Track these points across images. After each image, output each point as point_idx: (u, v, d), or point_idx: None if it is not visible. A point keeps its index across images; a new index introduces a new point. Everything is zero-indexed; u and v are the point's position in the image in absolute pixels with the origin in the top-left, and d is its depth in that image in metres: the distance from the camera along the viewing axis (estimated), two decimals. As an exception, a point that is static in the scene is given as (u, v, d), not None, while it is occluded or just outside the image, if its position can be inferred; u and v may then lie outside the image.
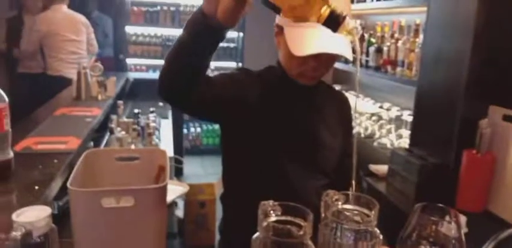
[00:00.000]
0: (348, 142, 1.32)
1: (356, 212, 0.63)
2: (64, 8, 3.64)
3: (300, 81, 1.20)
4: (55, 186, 1.15)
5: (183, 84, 1.02)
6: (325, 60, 1.14)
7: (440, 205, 0.66)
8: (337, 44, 1.05)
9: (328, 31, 1.04)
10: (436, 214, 0.66)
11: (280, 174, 1.19)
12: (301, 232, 0.55)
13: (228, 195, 1.33)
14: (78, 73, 2.52)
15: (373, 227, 0.61)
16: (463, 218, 1.33)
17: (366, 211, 0.62)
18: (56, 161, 1.30)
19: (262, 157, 1.19)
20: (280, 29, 1.14)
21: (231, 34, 4.94)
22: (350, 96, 3.07)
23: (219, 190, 2.84)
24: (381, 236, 0.61)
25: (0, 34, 3.79)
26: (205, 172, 4.18)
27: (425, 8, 1.83)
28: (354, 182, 0.69)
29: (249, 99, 1.19)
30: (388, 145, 2.29)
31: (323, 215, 0.64)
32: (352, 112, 2.51)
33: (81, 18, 3.75)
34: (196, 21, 0.93)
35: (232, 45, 4.96)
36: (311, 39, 1.05)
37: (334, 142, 1.26)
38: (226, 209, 1.33)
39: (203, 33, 0.93)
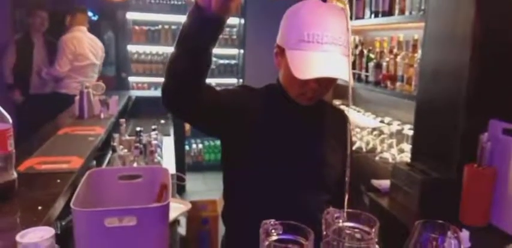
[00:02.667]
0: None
1: (357, 230, 0.63)
2: (86, 30, 3.78)
3: (299, 101, 1.22)
4: (58, 206, 1.16)
5: (187, 86, 1.05)
6: (326, 82, 1.15)
7: (441, 221, 0.66)
8: (339, 67, 1.07)
9: (330, 54, 1.07)
10: (437, 230, 0.67)
11: (281, 191, 1.20)
12: (302, 251, 0.55)
13: (229, 212, 1.33)
14: (81, 93, 2.54)
15: (374, 245, 0.61)
16: (466, 233, 1.33)
17: (366, 228, 0.63)
18: (59, 181, 1.31)
19: (262, 174, 1.20)
20: (281, 50, 1.16)
21: (232, 51, 5.00)
22: (351, 111, 3.09)
23: (221, 207, 2.83)
24: (382, 254, 0.62)
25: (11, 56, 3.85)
26: (207, 188, 4.17)
27: (422, 24, 1.86)
28: (346, 197, 0.70)
29: (248, 112, 1.21)
30: (390, 160, 2.29)
31: (324, 233, 0.65)
32: (353, 125, 2.52)
33: (100, 43, 3.93)
34: (193, 16, 0.96)
35: (233, 61, 5.01)
36: (313, 63, 1.06)
37: (334, 159, 1.26)
38: (228, 226, 1.33)
39: (201, 27, 0.96)
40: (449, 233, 0.67)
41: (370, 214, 0.65)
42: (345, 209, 0.66)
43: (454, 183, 1.56)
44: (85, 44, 3.73)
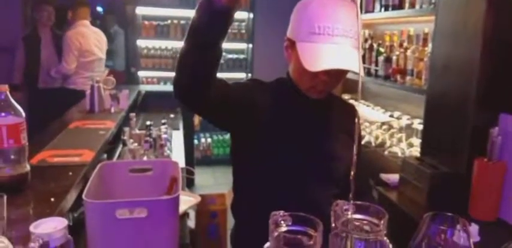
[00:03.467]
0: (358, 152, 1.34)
1: (365, 222, 0.63)
2: (89, 24, 3.79)
3: (309, 94, 1.22)
4: (70, 198, 1.18)
5: (198, 80, 1.05)
6: (336, 74, 1.15)
7: (450, 214, 0.66)
8: (350, 59, 1.07)
9: (341, 46, 1.07)
10: (446, 222, 0.67)
11: (290, 184, 1.21)
12: (311, 242, 0.56)
13: (238, 205, 1.34)
14: (92, 87, 2.57)
15: (383, 237, 0.62)
16: (475, 227, 1.33)
17: (375, 220, 0.63)
18: (70, 173, 1.33)
19: (271, 167, 1.20)
20: (291, 43, 1.17)
21: (241, 45, 5.00)
22: (360, 105, 3.08)
23: (230, 200, 2.84)
24: (391, 246, 0.62)
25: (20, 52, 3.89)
26: (216, 182, 4.20)
27: (433, 17, 1.85)
28: (351, 193, 0.70)
29: (258, 105, 1.21)
30: (399, 154, 2.29)
31: (333, 225, 0.65)
32: (362, 119, 2.51)
33: (104, 36, 3.92)
34: (202, 9, 0.96)
35: (241, 56, 5.01)
36: (324, 55, 1.07)
37: (344, 153, 1.26)
38: (237, 219, 1.35)
39: (210, 20, 0.96)
40: (458, 226, 0.67)
41: (379, 206, 0.66)
42: (353, 202, 0.67)
43: (464, 177, 1.56)
44: (90, 39, 3.72)
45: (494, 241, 1.07)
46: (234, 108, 1.18)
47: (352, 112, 1.40)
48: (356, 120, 1.43)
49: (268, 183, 1.22)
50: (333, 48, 1.07)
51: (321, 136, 1.28)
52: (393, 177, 1.89)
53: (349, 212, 0.64)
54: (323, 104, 1.28)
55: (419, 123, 2.21)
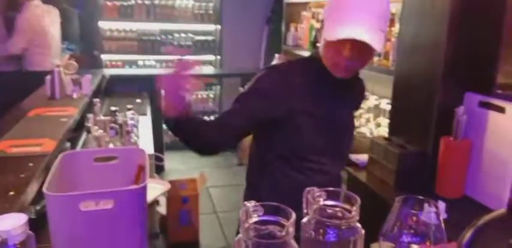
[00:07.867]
0: None
1: (338, 208, 0.62)
2: (40, 3, 3.65)
3: (334, 72, 1.21)
4: (31, 191, 1.12)
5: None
6: (359, 51, 1.13)
7: (420, 197, 0.66)
8: (370, 35, 1.08)
9: (364, 22, 1.08)
10: (416, 205, 0.67)
11: (315, 162, 1.26)
12: (284, 233, 0.54)
13: (263, 183, 1.34)
14: (52, 72, 2.45)
15: (355, 223, 0.61)
16: (442, 204, 1.36)
17: (347, 206, 0.62)
18: (31, 164, 1.26)
19: (296, 146, 1.25)
20: (322, 23, 1.21)
21: (209, 27, 4.89)
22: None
23: (202, 185, 2.82)
24: (363, 232, 0.61)
25: None
26: (187, 167, 4.15)
27: (401, -3, 1.84)
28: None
29: (292, 95, 1.22)
30: (368, 134, 2.32)
31: (305, 211, 0.64)
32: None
33: (57, 12, 3.78)
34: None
35: (210, 38, 4.90)
36: (345, 27, 1.08)
37: (352, 130, 1.39)
38: (261, 196, 1.36)
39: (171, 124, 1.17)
40: (427, 207, 0.67)
41: (351, 192, 0.65)
42: (326, 189, 0.66)
43: (431, 156, 1.58)
44: (43, 19, 3.61)
45: (462, 217, 1.10)
46: (271, 117, 1.22)
47: (362, 86, 1.46)
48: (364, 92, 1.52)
49: (293, 162, 1.25)
50: (355, 21, 1.09)
51: (342, 114, 1.33)
52: (362, 157, 1.90)
53: (321, 199, 0.63)
54: (347, 83, 1.28)
55: (387, 103, 2.23)
